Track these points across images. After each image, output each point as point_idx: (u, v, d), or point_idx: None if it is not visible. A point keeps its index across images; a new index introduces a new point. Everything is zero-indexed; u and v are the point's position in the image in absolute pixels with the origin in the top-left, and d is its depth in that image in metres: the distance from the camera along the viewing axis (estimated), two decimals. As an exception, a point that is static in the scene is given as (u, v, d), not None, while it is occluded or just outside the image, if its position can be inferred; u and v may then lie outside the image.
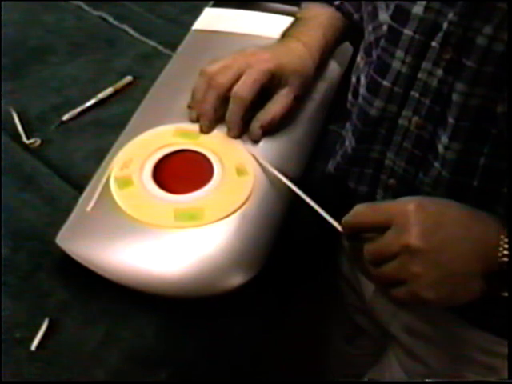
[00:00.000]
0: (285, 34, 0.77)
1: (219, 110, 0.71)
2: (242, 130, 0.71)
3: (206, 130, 0.72)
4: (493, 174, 0.58)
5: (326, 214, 0.59)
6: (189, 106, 0.74)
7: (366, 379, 0.89)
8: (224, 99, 0.70)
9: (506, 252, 0.51)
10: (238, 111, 0.70)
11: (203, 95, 0.71)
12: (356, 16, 0.77)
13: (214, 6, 0.96)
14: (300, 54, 0.73)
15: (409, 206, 0.53)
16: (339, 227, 0.58)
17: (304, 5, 0.81)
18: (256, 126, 0.71)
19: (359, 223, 0.56)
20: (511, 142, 0.55)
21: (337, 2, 0.78)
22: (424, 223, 0.52)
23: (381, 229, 0.54)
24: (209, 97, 0.70)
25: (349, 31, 0.79)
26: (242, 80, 0.69)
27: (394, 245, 0.52)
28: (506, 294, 0.53)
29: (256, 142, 0.72)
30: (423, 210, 0.53)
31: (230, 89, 0.69)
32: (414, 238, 0.51)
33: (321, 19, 0.77)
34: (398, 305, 0.57)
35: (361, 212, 0.56)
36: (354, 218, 0.56)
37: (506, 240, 0.52)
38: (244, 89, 0.69)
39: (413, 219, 0.52)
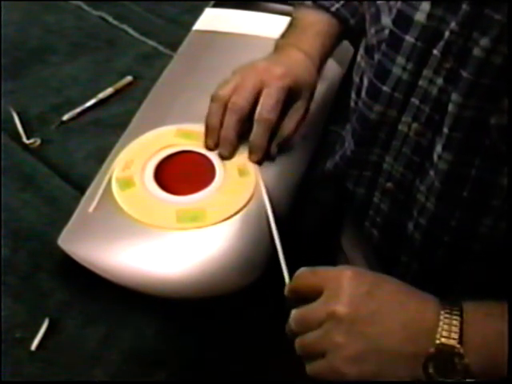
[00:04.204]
0: (283, 42, 0.76)
1: (240, 134, 0.69)
2: (265, 154, 0.70)
3: (228, 156, 0.70)
4: (483, 186, 0.56)
5: (286, 268, 0.57)
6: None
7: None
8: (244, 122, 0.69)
9: (444, 333, 0.47)
10: (264, 134, 0.69)
11: (220, 120, 0.69)
12: (352, 21, 0.77)
13: (215, 6, 0.97)
14: (304, 65, 0.73)
15: (345, 272, 0.50)
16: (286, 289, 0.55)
17: (297, 8, 0.80)
18: (273, 145, 0.70)
19: (297, 286, 0.53)
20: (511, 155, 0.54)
21: (333, 9, 0.77)
22: (356, 291, 0.49)
23: (318, 295, 0.50)
24: (229, 121, 0.69)
25: (345, 35, 0.79)
26: (265, 102, 0.68)
27: (321, 310, 0.49)
28: (449, 381, 0.47)
29: (272, 159, 0.71)
30: (359, 277, 0.50)
31: (250, 110, 0.68)
32: (341, 304, 0.48)
33: (318, 27, 0.77)
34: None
35: (300, 275, 0.54)
36: (294, 281, 0.54)
37: (447, 321, 0.48)
38: (269, 111, 0.68)
39: (345, 286, 0.49)
